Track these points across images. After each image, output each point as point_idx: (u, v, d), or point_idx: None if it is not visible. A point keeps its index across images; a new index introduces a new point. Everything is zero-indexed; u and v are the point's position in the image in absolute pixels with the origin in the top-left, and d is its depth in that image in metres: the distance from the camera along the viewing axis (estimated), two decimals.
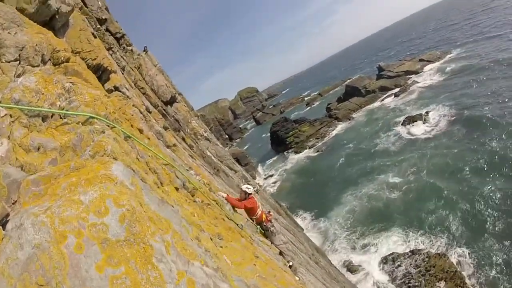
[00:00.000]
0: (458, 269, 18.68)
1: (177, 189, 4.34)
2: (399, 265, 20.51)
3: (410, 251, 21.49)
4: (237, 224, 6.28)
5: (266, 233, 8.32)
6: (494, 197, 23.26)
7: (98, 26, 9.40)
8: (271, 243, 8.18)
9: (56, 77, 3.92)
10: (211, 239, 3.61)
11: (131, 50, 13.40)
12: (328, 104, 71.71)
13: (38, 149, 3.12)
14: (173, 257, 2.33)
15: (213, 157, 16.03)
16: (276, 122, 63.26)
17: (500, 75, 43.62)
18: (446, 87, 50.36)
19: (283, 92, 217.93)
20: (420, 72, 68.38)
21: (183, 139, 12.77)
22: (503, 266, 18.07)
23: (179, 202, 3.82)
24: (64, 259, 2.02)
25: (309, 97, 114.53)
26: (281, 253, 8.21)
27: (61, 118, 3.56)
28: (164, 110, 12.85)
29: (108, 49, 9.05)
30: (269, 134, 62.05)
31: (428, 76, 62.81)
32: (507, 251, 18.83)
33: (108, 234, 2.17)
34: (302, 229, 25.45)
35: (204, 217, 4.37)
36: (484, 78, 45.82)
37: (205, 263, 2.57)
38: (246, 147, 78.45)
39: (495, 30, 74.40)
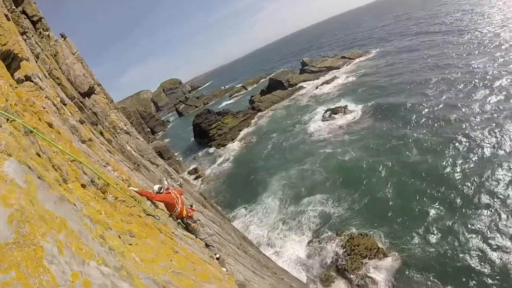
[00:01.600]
0: (380, 246, 20.13)
1: (84, 186, 3.99)
2: (326, 247, 21.49)
3: (335, 232, 22.61)
4: (156, 218, 6.08)
5: (190, 227, 8.16)
6: (408, 179, 25.73)
7: (13, 7, 8.39)
8: (196, 237, 8.01)
9: None
10: (119, 237, 3.40)
11: (48, 36, 12.23)
12: (251, 97, 72.93)
13: None
14: (66, 258, 2.11)
15: (133, 152, 15.29)
16: (199, 114, 62.45)
17: (409, 71, 51.41)
18: (364, 82, 56.04)
19: (206, 84, 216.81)
20: (341, 68, 72.75)
21: (101, 133, 11.97)
22: (418, 239, 19.97)
23: (84, 199, 3.51)
24: None
25: (232, 90, 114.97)
26: (207, 245, 8.18)
27: None
28: (81, 102, 11.92)
29: (22, 34, 8.11)
30: (192, 126, 61.04)
31: (348, 72, 67.44)
32: (418, 225, 20.92)
33: None
34: (229, 220, 25.49)
35: (115, 214, 4.09)
36: (397, 73, 52.79)
37: (103, 262, 2.37)
38: (169, 140, 76.61)
39: (412, 32, 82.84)
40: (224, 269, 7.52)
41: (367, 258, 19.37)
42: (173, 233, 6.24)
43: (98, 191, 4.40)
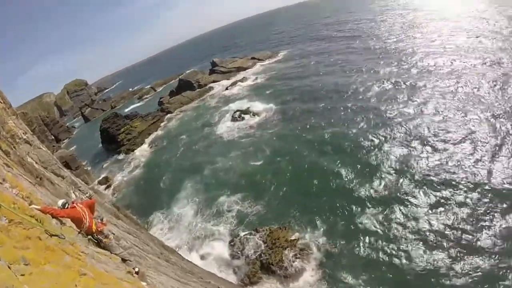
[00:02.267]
0: (299, 236, 21.18)
1: None
2: (248, 244, 21.71)
3: (253, 229, 23.05)
4: (59, 238, 5.29)
5: (102, 243, 7.32)
6: (313, 174, 27.71)
7: None
8: (111, 252, 7.20)
9: None
10: (9, 267, 2.98)
11: None
12: (161, 98, 71.20)
13: None
14: None
15: (35, 164, 13.75)
16: (106, 118, 58.77)
17: (316, 73, 55.83)
18: (273, 83, 59.33)
19: (114, 85, 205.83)
20: (251, 69, 74.42)
21: None
22: (330, 227, 21.78)
23: None
24: None
25: (141, 91, 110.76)
26: (123, 260, 7.65)
27: None
28: None
29: None
30: (99, 132, 57.21)
31: (258, 73, 69.44)
32: (330, 215, 22.77)
33: None
34: (146, 229, 24.39)
35: (6, 240, 3.56)
36: (304, 75, 56.71)
37: None
38: (75, 148, 70.83)
39: (319, 37, 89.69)
40: (144, 283, 6.98)
41: (289, 249, 20.06)
42: (82, 252, 5.51)
43: None
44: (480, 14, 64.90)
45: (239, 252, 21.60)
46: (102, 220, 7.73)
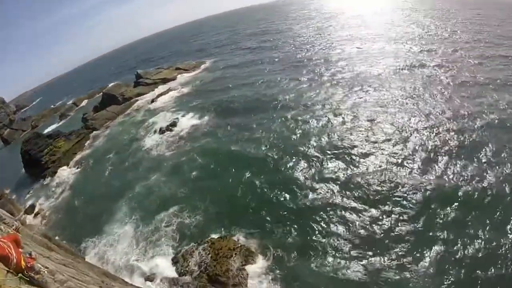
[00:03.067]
0: (241, 243, 21.82)
1: None
2: (191, 259, 21.69)
3: (195, 243, 23.09)
4: None
5: (35, 281, 6.80)
6: (249, 181, 29.18)
7: None
8: None
9: None
10: None
11: None
12: (84, 114, 68.03)
13: None
14: None
15: None
16: (26, 139, 54.60)
17: (241, 82, 59.39)
18: (199, 92, 60.52)
19: (34, 102, 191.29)
20: (177, 80, 74.65)
21: None
22: (267, 230, 23.34)
23: None
24: None
25: (63, 107, 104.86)
26: None
27: None
28: None
29: None
30: (20, 155, 53.51)
31: (184, 84, 70.01)
32: (267, 217, 24.32)
33: None
34: (83, 258, 23.82)
35: None
36: (230, 83, 59.98)
37: None
38: None
39: (245, 46, 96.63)
40: None
41: (233, 257, 20.51)
42: None
43: None
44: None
45: (184, 268, 21.41)
46: (30, 254, 7.20)
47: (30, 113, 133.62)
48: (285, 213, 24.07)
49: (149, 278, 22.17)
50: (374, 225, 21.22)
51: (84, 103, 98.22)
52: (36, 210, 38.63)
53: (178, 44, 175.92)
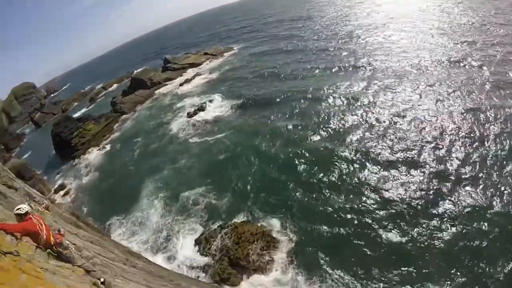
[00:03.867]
0: (264, 229, 21.31)
1: None
2: (213, 241, 21.65)
3: (218, 226, 23.04)
4: (14, 255, 5.12)
5: (62, 256, 6.95)
6: (277, 165, 28.35)
7: None
8: (73, 265, 6.94)
9: None
10: None
11: None
12: (113, 98, 68.77)
13: None
14: None
15: None
16: (57, 122, 56.23)
17: (272, 66, 56.86)
18: (227, 77, 59.77)
19: (64, 87, 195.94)
20: (205, 65, 73.93)
21: None
22: (291, 216, 22.41)
23: None
24: None
25: (92, 92, 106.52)
26: (87, 271, 7.41)
27: None
28: None
29: None
30: (51, 137, 54.64)
31: (212, 68, 69.22)
32: (292, 203, 23.41)
33: None
34: (109, 236, 23.79)
35: None
36: (260, 68, 57.69)
37: None
38: (27, 156, 67.25)
39: (273, 32, 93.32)
40: None
41: (255, 242, 20.20)
42: (41, 268, 5.37)
43: None
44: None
45: (206, 250, 21.48)
46: (59, 231, 7.45)
47: (60, 97, 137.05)
48: (311, 203, 23.10)
49: (171, 257, 22.48)
50: (406, 221, 19.69)
51: (113, 87, 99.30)
52: (65, 189, 39.64)
53: (204, 29, 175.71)
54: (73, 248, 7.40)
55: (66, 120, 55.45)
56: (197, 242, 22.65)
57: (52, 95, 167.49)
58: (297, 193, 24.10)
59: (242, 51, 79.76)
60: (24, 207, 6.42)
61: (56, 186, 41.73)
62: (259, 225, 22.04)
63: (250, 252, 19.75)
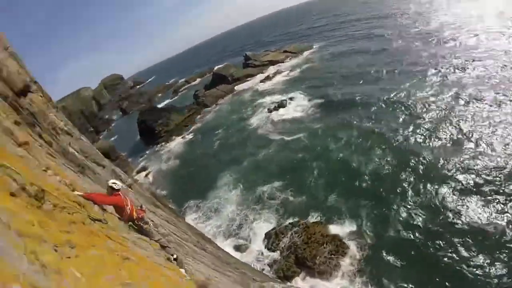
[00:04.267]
0: (336, 232, 20.74)
1: (13, 194, 3.50)
2: (283, 238, 21.61)
3: (290, 223, 22.85)
4: (102, 223, 5.47)
5: (142, 229, 7.50)
6: (360, 164, 27.07)
7: None
8: (150, 239, 7.39)
9: None
10: (55, 250, 2.97)
11: None
12: (196, 91, 71.67)
13: None
14: None
15: (76, 154, 14.27)
16: (143, 111, 60.72)
17: (355, 64, 53.91)
18: (308, 75, 58.52)
19: (149, 79, 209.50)
20: (285, 62, 73.69)
21: (40, 135, 10.99)
22: (366, 224, 21.15)
23: (12, 210, 3.06)
24: None
25: (176, 85, 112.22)
26: (162, 247, 7.69)
27: None
28: (16, 101, 10.82)
29: None
30: (137, 124, 59.01)
31: (292, 66, 68.55)
32: (369, 211, 22.06)
33: None
34: (184, 218, 24.86)
35: (52, 224, 3.59)
36: (342, 66, 55.27)
37: (30, 284, 2.03)
38: (114, 139, 73.31)
39: (353, 30, 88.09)
40: (183, 270, 7.18)
41: (325, 244, 19.72)
42: (124, 237, 5.70)
43: (31, 199, 3.89)
44: None
45: (274, 245, 21.53)
46: (141, 207, 7.97)
47: (146, 88, 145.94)
48: (388, 213, 21.43)
49: (240, 248, 22.95)
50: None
51: (196, 81, 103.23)
52: (147, 171, 42.59)
53: (283, 27, 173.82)
54: (152, 224, 7.86)
55: (151, 109, 59.40)
56: (267, 235, 22.76)
57: (138, 86, 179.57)
58: (374, 201, 22.60)
59: (322, 49, 77.31)
60: (119, 183, 6.95)
61: (139, 167, 45.21)
62: (330, 227, 21.43)
63: (318, 253, 19.35)
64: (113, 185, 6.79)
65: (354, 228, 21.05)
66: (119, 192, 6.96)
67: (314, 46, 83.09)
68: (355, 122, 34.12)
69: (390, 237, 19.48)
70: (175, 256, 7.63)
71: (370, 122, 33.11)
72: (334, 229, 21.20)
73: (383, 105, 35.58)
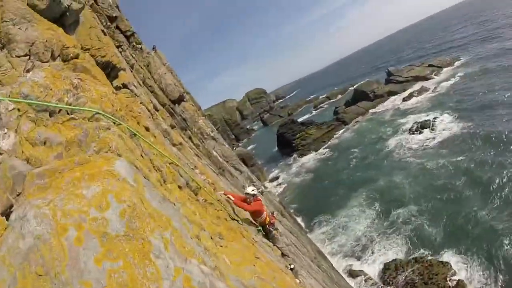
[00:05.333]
0: (461, 278, 18.37)
1: (180, 187, 4.35)
2: (402, 272, 20.20)
3: (413, 258, 21.14)
4: (238, 222, 6.28)
5: (269, 235, 8.22)
6: (495, 213, 22.67)
7: (108, 23, 9.45)
8: (274, 244, 8.09)
9: (65, 73, 3.97)
10: (211, 238, 3.62)
11: (141, 49, 13.41)
12: (336, 108, 71.36)
13: (44, 143, 3.17)
14: (171, 254, 2.36)
15: (219, 157, 16.05)
16: (283, 124, 63.15)
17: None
18: (455, 94, 49.97)
19: (291, 94, 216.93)
20: (430, 78, 67.81)
21: (190, 138, 12.81)
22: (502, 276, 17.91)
23: (181, 200, 3.84)
24: (64, 250, 2.06)
25: (317, 100, 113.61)
26: (283, 255, 8.18)
27: (68, 113, 3.59)
28: (171, 108, 12.88)
29: (117, 47, 9.12)
30: (276, 135, 61.89)
31: (437, 82, 62.15)
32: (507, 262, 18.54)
33: (108, 229, 2.20)
34: (306, 232, 25.26)
35: (206, 216, 4.39)
36: (497, 87, 44.54)
37: (202, 261, 2.59)
38: (252, 147, 78.33)
39: (505, 34, 74.26)
40: (298, 281, 7.45)
41: None
42: (253, 238, 6.39)
43: (191, 193, 4.76)
44: None
45: (391, 278, 20.31)
46: (273, 213, 8.75)
47: (287, 102, 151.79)
48: None
49: (354, 272, 22.18)
50: None
51: (337, 98, 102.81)
52: (278, 181, 44.37)
53: (426, 38, 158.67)
54: (278, 231, 8.46)
55: (291, 123, 61.47)
56: (386, 266, 21.59)
57: (279, 100, 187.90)
58: None
59: (471, 63, 66.96)
60: (255, 190, 7.70)
61: (271, 176, 47.54)
62: (458, 272, 18.96)
63: None
64: (253, 192, 7.57)
65: (487, 279, 18.08)
66: (259, 198, 7.80)
67: (461, 58, 72.57)
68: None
69: None
70: (292, 266, 8.01)
71: None
72: (462, 274, 18.78)
73: None
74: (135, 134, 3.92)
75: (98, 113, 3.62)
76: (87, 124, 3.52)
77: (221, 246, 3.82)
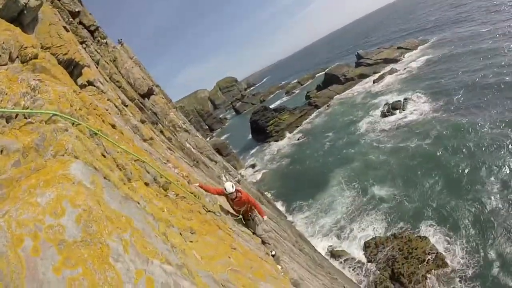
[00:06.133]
0: (439, 250, 18.95)
1: (147, 184, 4.25)
2: (382, 249, 20.74)
3: (391, 234, 21.75)
4: (215, 214, 6.21)
5: (248, 223, 8.32)
6: (467, 187, 23.48)
7: (71, 19, 9.14)
8: (253, 233, 8.14)
9: (22, 75, 3.75)
10: (180, 234, 3.57)
11: (106, 43, 13.07)
12: (308, 92, 72.11)
13: (1, 151, 3.00)
14: (131, 256, 2.29)
15: (192, 149, 15.91)
16: (256, 111, 63.47)
17: (478, 65, 43.77)
18: (424, 75, 51.26)
19: (262, 81, 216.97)
20: (399, 60, 69.07)
21: (161, 132, 12.61)
22: (476, 246, 18.63)
23: (147, 198, 3.75)
24: (21, 262, 1.94)
25: (288, 86, 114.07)
26: (263, 242, 8.24)
27: (25, 118, 3.40)
28: (141, 103, 12.62)
29: (81, 43, 8.84)
30: (249, 123, 62.20)
31: (406, 64, 63.35)
32: (480, 232, 19.35)
33: (65, 236, 2.10)
34: (285, 217, 25.50)
35: (176, 211, 4.32)
36: (462, 67, 46.10)
37: (166, 260, 2.53)
38: (226, 137, 78.29)
39: (474, 17, 75.49)
40: (279, 267, 7.56)
41: (425, 263, 18.34)
42: (231, 229, 6.38)
43: (160, 188, 4.67)
44: None
45: (372, 255, 20.81)
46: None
47: (259, 90, 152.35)
48: None
49: (335, 253, 22.62)
50: None
51: (308, 82, 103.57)
52: (255, 169, 44.92)
53: (395, 21, 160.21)
54: (257, 219, 8.47)
55: (263, 110, 61.70)
56: (367, 244, 22.11)
57: (251, 88, 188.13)
58: (503, 227, 18.95)
59: (439, 44, 67.93)
60: (233, 186, 7.68)
61: (247, 164, 47.90)
62: (436, 245, 19.53)
63: (415, 271, 18.08)
64: (234, 188, 7.59)
65: (464, 249, 18.77)
66: (240, 189, 7.86)
67: (431, 40, 73.89)
68: (484, 130, 28.74)
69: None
70: (273, 252, 8.15)
71: (500, 128, 27.84)
72: (439, 247, 19.36)
73: None
74: (96, 133, 3.78)
75: (55, 114, 3.45)
76: (44, 127, 3.34)
77: (191, 241, 3.78)
